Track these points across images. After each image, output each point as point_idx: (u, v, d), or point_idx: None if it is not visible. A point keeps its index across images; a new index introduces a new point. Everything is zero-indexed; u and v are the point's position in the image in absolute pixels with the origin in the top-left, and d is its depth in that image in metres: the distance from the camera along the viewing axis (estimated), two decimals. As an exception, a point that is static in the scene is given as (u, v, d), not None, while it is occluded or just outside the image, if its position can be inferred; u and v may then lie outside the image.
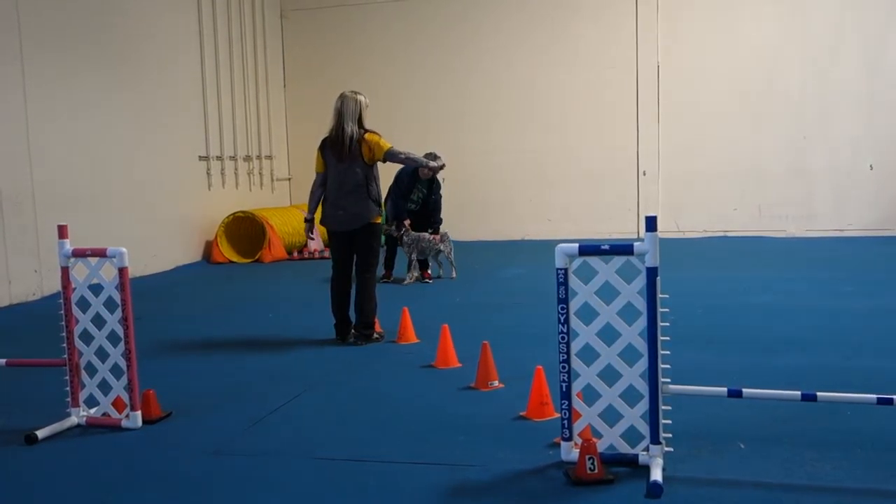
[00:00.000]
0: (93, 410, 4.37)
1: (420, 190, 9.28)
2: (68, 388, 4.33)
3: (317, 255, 12.26)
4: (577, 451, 3.42)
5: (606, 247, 3.45)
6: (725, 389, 3.47)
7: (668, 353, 3.46)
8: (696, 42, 12.85)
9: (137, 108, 10.53)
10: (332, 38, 14.36)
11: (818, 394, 3.37)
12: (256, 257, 11.65)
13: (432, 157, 8.90)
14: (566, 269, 3.47)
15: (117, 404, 4.31)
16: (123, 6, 10.41)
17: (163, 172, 10.85)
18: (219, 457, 3.81)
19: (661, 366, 3.40)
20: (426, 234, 9.01)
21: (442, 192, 9.44)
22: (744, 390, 3.45)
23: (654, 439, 3.41)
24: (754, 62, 12.64)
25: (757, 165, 12.76)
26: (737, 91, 12.73)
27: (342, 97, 6.17)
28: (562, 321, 3.49)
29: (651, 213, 3.66)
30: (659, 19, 12.91)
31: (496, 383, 4.81)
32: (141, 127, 10.54)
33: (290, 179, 14.76)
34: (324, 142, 6.27)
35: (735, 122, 12.78)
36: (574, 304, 3.50)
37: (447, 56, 13.87)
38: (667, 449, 3.45)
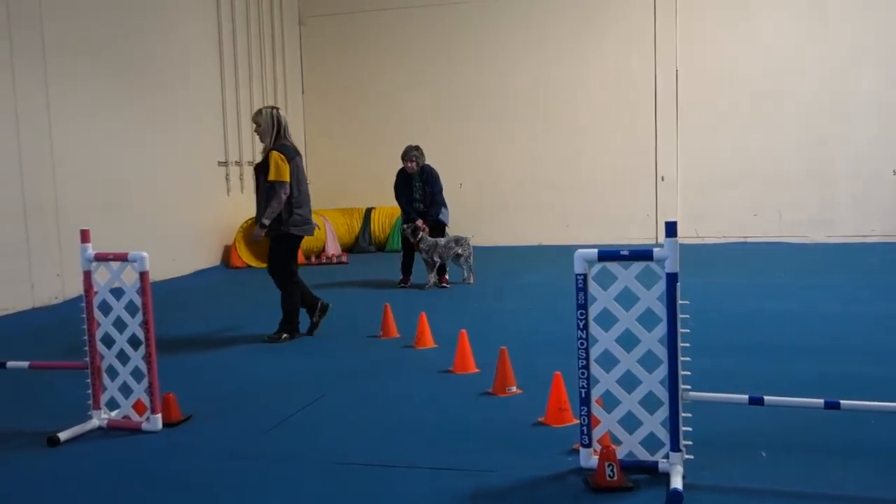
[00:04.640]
0: (114, 413, 4.41)
1: (419, 188, 9.22)
2: (90, 391, 4.36)
3: (334, 259, 12.30)
4: (597, 457, 3.40)
5: (626, 252, 3.43)
6: (747, 397, 3.44)
7: (688, 359, 3.44)
8: (715, 47, 12.79)
9: (157, 115, 10.62)
10: (349, 44, 14.43)
11: (842, 402, 3.33)
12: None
13: (410, 155, 8.98)
14: (585, 275, 3.46)
15: (138, 407, 4.34)
16: (144, 15, 10.51)
17: (182, 178, 10.93)
18: (237, 460, 3.83)
19: (682, 372, 3.38)
20: (442, 240, 8.99)
21: (442, 184, 9.30)
22: (765, 398, 3.42)
23: (674, 446, 3.38)
24: (773, 66, 12.56)
25: (777, 171, 12.67)
26: (756, 95, 12.66)
27: (278, 110, 6.64)
28: (581, 327, 3.47)
29: (670, 219, 3.64)
30: (678, 25, 12.86)
31: (514, 389, 4.80)
32: (161, 134, 10.63)
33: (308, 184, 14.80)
34: (290, 151, 6.48)
35: (755, 127, 12.70)
36: (593, 310, 3.49)
37: (465, 61, 13.89)
38: (687, 456, 3.42)
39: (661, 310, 3.37)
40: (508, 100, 13.74)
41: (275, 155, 6.30)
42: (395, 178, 9.32)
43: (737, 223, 12.89)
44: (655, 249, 3.37)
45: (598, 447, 3.48)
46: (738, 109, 12.75)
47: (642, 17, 13.03)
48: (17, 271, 8.34)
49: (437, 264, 9.03)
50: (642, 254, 3.40)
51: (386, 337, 6.52)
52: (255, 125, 6.58)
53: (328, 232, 12.79)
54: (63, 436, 4.15)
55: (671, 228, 3.33)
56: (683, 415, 3.39)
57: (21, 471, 3.80)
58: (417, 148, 9.18)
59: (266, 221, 6.35)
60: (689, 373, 3.45)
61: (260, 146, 6.66)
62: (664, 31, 12.95)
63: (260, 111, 6.56)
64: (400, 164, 9.28)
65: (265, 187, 6.37)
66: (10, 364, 4.60)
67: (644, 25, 13.03)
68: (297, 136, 14.30)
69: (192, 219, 11.13)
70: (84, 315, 4.36)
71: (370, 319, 7.01)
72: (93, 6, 9.56)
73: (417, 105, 13.98)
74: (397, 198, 9.34)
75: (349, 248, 13.39)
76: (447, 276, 9.25)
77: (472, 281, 9.19)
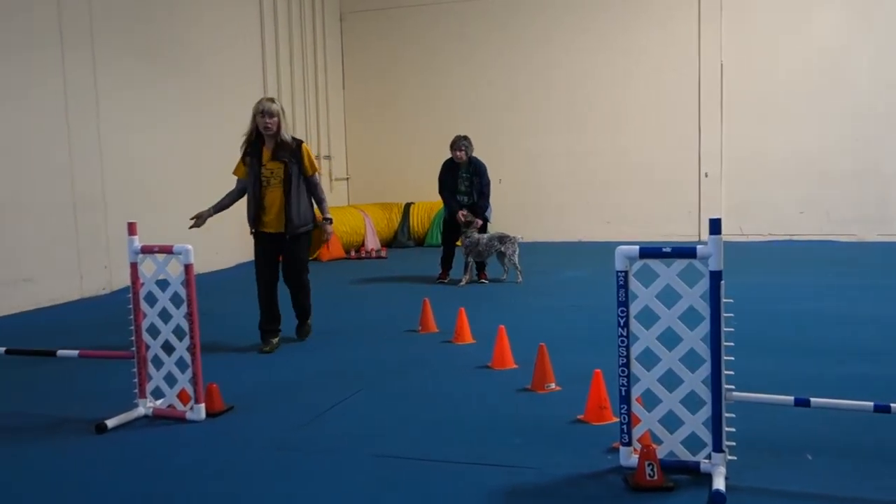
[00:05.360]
0: (159, 402, 4.49)
1: (465, 179, 9.07)
2: (136, 380, 4.45)
3: (373, 254, 12.37)
4: (637, 456, 3.38)
5: (668, 249, 3.39)
6: (792, 398, 3.38)
7: (731, 358, 3.39)
8: (762, 40, 12.54)
9: (201, 110, 10.77)
10: (389, 39, 14.47)
11: (892, 405, 3.25)
12: (315, 255, 11.80)
13: (459, 144, 8.91)
14: (626, 272, 3.43)
15: (182, 396, 4.42)
16: (188, 12, 10.66)
17: (225, 172, 11.03)
18: (279, 451, 3.87)
19: (725, 372, 3.34)
20: (484, 237, 8.95)
21: (489, 177, 9.16)
22: (812, 399, 3.35)
23: (717, 447, 3.34)
24: (823, 60, 12.27)
25: (825, 167, 12.38)
26: (804, 90, 12.38)
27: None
28: (621, 324, 3.44)
29: (714, 216, 3.59)
30: (723, 17, 12.65)
31: (553, 386, 4.78)
32: (204, 128, 10.78)
33: (347, 179, 14.92)
34: None
35: (802, 123, 12.42)
36: (634, 308, 3.45)
37: (504, 56, 13.83)
38: (729, 457, 3.38)
39: (703, 308, 3.32)
40: (549, 94, 13.65)
41: (307, 148, 6.14)
42: (439, 170, 9.18)
43: (782, 221, 12.64)
44: (699, 247, 3.32)
45: (638, 446, 3.46)
46: (785, 104, 12.49)
47: (686, 9, 12.83)
48: (67, 263, 8.55)
49: (470, 264, 8.99)
50: (685, 251, 3.36)
51: (425, 332, 6.53)
52: (270, 115, 5.86)
53: (367, 227, 12.87)
54: (110, 423, 4.24)
55: (715, 225, 3.28)
56: (726, 415, 3.34)
57: (70, 456, 3.89)
58: (466, 138, 9.04)
59: (330, 216, 6.25)
60: (732, 372, 3.40)
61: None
62: (708, 22, 12.74)
63: (272, 100, 5.99)
64: (441, 158, 9.24)
65: (302, 181, 6.01)
66: (60, 353, 4.72)
67: (688, 17, 12.83)
68: (337, 131, 14.51)
69: (235, 213, 11.21)
70: (130, 306, 4.44)
71: (409, 314, 7.03)
72: (140, 3, 9.73)
73: (457, 100, 13.96)
74: (441, 189, 9.18)
75: (388, 243, 13.45)
76: (486, 273, 9.22)
77: (519, 280, 9.04)
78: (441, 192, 9.23)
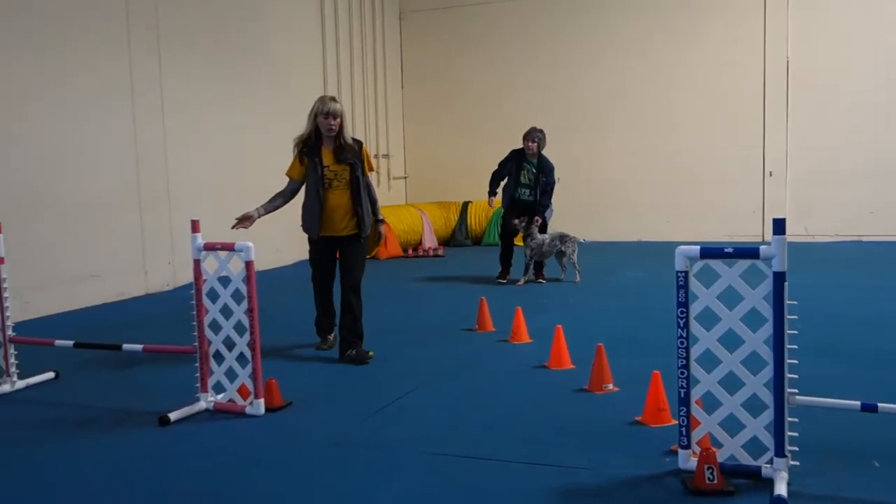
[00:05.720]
0: (220, 396, 4.59)
1: (530, 171, 8.87)
2: (198, 375, 4.56)
3: (431, 252, 12.41)
4: (696, 459, 3.32)
5: (730, 250, 3.32)
6: (858, 403, 3.28)
7: (795, 362, 3.30)
8: (830, 35, 12.16)
9: (262, 108, 10.97)
10: (449, 38, 14.50)
11: (964, 412, 3.13)
12: (373, 254, 11.90)
13: (533, 135, 8.79)
14: (686, 272, 3.37)
15: (242, 391, 4.51)
16: (251, 11, 10.87)
17: (285, 170, 11.25)
18: (336, 447, 3.92)
19: (788, 375, 3.25)
20: (547, 237, 8.86)
21: (556, 176, 9.02)
22: (880, 405, 3.25)
23: (779, 452, 3.26)
24: (893, 55, 11.84)
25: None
26: (874, 86, 11.96)
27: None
28: (681, 325, 3.39)
29: (778, 216, 3.50)
30: (789, 11, 12.31)
31: (610, 386, 4.73)
32: (265, 126, 10.96)
33: (405, 178, 15.01)
34: None
35: (872, 120, 12.00)
36: (694, 309, 3.39)
37: (565, 55, 13.73)
38: (792, 463, 3.29)
39: (766, 310, 3.25)
40: (611, 92, 13.49)
41: (367, 149, 6.01)
42: (503, 157, 9.03)
43: (850, 221, 12.24)
44: (762, 247, 3.24)
45: (697, 449, 3.40)
46: (854, 101, 12.09)
47: (752, 3, 12.53)
48: (133, 259, 8.81)
49: (530, 265, 8.95)
50: (748, 251, 3.28)
51: (481, 330, 6.53)
52: (334, 116, 5.68)
53: (425, 225, 12.93)
54: (173, 416, 4.35)
55: (779, 225, 3.20)
56: (789, 419, 3.26)
57: (134, 448, 4.00)
58: (541, 130, 8.88)
59: (382, 216, 6.10)
60: (795, 376, 3.32)
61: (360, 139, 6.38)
62: (774, 17, 12.42)
63: (335, 100, 5.79)
64: (500, 157, 9.15)
65: (361, 181, 5.80)
66: (125, 346, 4.88)
67: (752, 11, 12.53)
68: (395, 129, 14.61)
69: (295, 211, 11.41)
70: (193, 302, 4.55)
71: (466, 313, 7.04)
72: (205, 4, 9.95)
73: (516, 100, 13.91)
74: (495, 174, 9.01)
75: (445, 242, 13.49)
76: (544, 272, 9.16)
77: (578, 279, 8.98)
78: (493, 175, 9.06)
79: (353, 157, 5.76)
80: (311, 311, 6.27)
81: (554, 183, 9.02)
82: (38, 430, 4.34)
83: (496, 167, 9.16)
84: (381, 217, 6.08)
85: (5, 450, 4.04)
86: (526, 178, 8.91)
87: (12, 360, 5.14)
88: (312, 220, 5.84)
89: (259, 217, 5.71)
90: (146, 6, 8.96)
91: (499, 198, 9.23)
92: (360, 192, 5.79)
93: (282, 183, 6.07)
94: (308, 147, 5.80)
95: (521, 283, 8.93)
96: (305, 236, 6.04)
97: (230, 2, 10.44)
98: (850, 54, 12.09)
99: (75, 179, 8.16)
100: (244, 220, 5.56)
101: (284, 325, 6.94)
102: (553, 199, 9.27)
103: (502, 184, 9.16)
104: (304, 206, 5.91)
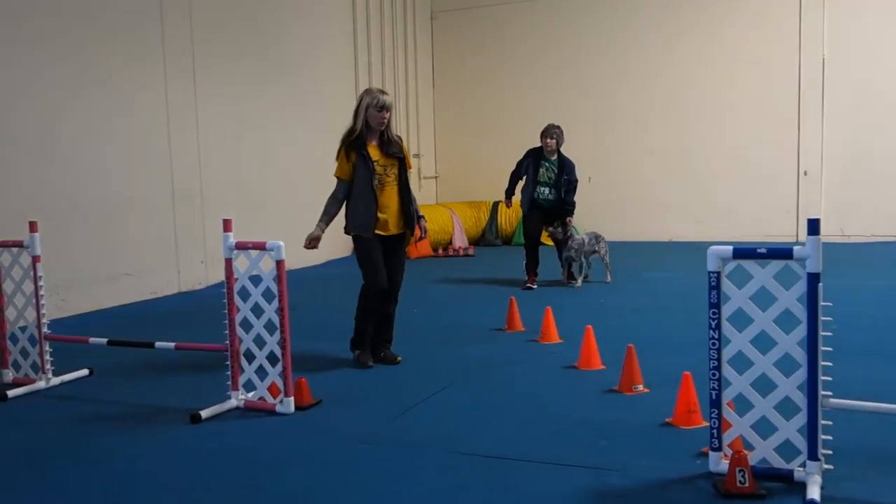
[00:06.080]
0: (250, 394, 4.63)
1: (550, 170, 8.68)
2: (229, 373, 4.60)
3: (461, 252, 12.41)
4: (727, 462, 3.28)
5: (763, 250, 3.28)
6: (895, 406, 3.21)
7: (829, 364, 3.25)
8: (866, 33, 11.95)
9: (294, 109, 11.06)
10: (480, 38, 14.49)
11: None
12: (403, 253, 11.91)
13: (551, 131, 8.68)
14: (719, 273, 3.33)
15: (272, 390, 4.54)
16: (283, 13, 10.95)
17: (315, 171, 11.29)
18: (365, 445, 3.94)
19: (822, 378, 3.20)
20: (585, 237, 8.73)
21: (578, 174, 8.80)
22: (917, 409, 3.18)
23: (812, 455, 3.21)
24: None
25: (935, 165, 11.73)
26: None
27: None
28: (713, 327, 3.35)
29: (813, 216, 3.45)
30: (825, 9, 12.12)
31: (641, 387, 4.69)
32: (297, 127, 11.06)
33: (436, 178, 15.03)
34: None
35: (911, 119, 11.80)
36: (726, 310, 3.35)
37: (596, 54, 13.65)
38: (826, 466, 3.24)
39: (800, 311, 3.20)
40: (641, 92, 13.39)
41: (405, 144, 5.83)
42: (521, 157, 8.89)
43: (888, 221, 12.01)
44: (796, 248, 3.20)
45: (728, 452, 3.36)
46: (891, 100, 11.86)
47: (785, 4, 12.35)
48: (166, 258, 8.92)
49: (570, 264, 8.86)
50: (781, 252, 3.24)
51: (511, 330, 6.52)
52: (388, 109, 5.47)
53: (455, 225, 12.93)
54: (204, 413, 4.39)
55: (814, 226, 3.15)
56: (823, 422, 3.20)
57: (167, 444, 4.05)
58: (559, 127, 8.73)
59: (421, 213, 5.79)
60: (830, 378, 3.26)
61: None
62: (809, 14, 12.23)
63: (386, 93, 5.54)
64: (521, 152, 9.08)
65: (404, 179, 5.62)
66: (158, 344, 4.94)
67: (789, 9, 12.35)
68: (426, 129, 14.63)
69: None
70: (225, 300, 4.59)
71: (495, 312, 7.03)
72: (237, 4, 10.05)
73: (546, 99, 13.85)
74: (513, 174, 8.89)
75: (476, 241, 13.49)
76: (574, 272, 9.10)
77: (608, 279, 8.91)
78: (512, 176, 8.94)
79: (399, 151, 5.57)
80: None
81: (577, 181, 8.80)
82: (71, 426, 4.42)
83: (515, 168, 9.04)
84: (420, 213, 5.82)
85: (39, 446, 4.11)
86: (545, 177, 8.73)
87: (47, 357, 5.24)
88: (366, 217, 5.46)
89: (323, 232, 5.47)
90: (181, 9, 9.07)
91: (517, 198, 9.14)
92: (409, 188, 5.62)
93: (313, 180, 5.97)
94: (354, 142, 5.51)
95: (578, 284, 8.71)
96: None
97: (262, 4, 10.52)
98: (887, 53, 11.87)
99: (110, 180, 8.28)
100: (312, 241, 5.39)
101: (313, 323, 6.98)
102: (581, 197, 9.14)
103: (520, 184, 9.06)
104: (353, 204, 5.51)
